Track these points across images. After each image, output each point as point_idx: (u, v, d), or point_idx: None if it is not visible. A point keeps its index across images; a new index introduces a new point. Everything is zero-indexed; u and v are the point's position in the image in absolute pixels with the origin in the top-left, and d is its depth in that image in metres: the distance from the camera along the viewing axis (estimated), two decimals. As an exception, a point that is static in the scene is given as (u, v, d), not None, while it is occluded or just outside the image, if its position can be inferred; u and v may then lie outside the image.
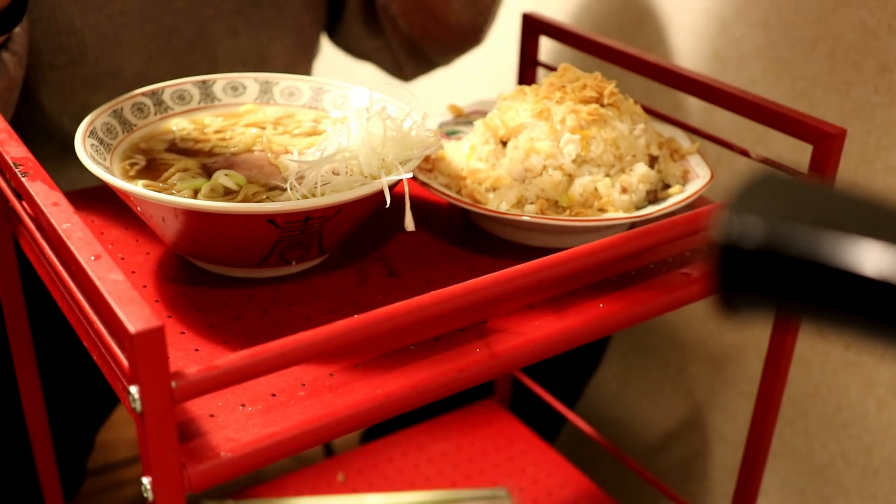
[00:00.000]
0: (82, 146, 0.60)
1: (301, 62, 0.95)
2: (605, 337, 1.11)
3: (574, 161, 0.66)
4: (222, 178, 0.61)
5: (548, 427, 1.09)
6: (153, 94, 0.69)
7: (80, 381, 0.91)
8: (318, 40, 0.97)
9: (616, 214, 0.65)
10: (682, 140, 0.74)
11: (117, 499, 1.27)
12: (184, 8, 0.85)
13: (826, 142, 0.64)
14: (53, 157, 0.84)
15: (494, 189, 0.66)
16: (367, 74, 1.06)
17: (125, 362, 0.43)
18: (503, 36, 1.10)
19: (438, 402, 0.63)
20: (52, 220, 0.49)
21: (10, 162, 0.55)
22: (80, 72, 0.83)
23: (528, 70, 0.85)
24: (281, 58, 0.93)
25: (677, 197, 0.67)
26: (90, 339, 0.51)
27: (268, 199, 0.60)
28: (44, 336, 0.76)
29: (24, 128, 0.81)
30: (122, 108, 0.67)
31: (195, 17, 0.86)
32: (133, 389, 0.42)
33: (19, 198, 0.59)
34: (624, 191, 0.66)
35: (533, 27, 0.83)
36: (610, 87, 0.69)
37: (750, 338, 1.07)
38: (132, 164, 0.64)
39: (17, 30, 0.71)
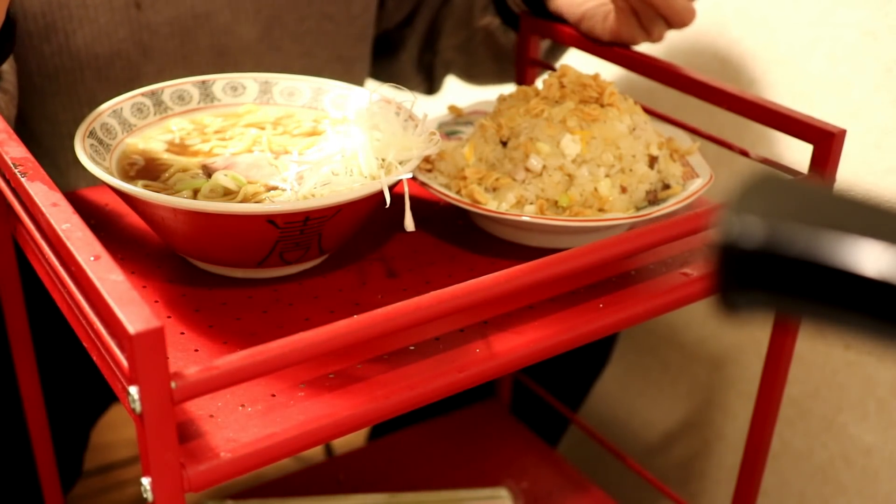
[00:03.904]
0: (82, 146, 0.60)
1: None
2: (610, 341, 1.11)
3: (574, 161, 0.66)
4: (222, 178, 0.61)
5: (551, 431, 1.09)
6: (153, 94, 0.69)
7: (76, 377, 0.91)
8: (362, 79, 0.97)
9: (616, 214, 0.65)
10: (682, 140, 0.74)
11: (117, 499, 1.27)
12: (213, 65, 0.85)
13: (826, 142, 0.64)
14: None
15: (494, 189, 0.66)
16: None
17: (125, 363, 0.43)
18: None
19: (439, 403, 0.63)
20: (52, 221, 0.49)
21: (10, 162, 0.55)
22: None
23: (527, 70, 0.85)
24: None
25: (677, 197, 0.67)
26: (90, 340, 0.51)
27: (267, 199, 0.60)
28: (40, 334, 0.76)
29: None
30: (121, 109, 0.67)
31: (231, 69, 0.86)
32: (133, 390, 0.42)
33: (19, 198, 0.59)
34: (624, 191, 0.66)
35: (532, 27, 0.83)
36: (610, 87, 0.69)
37: (750, 338, 1.07)
38: (132, 165, 0.64)
39: (6, 67, 0.71)
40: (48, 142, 0.84)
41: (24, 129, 0.84)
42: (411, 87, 1.02)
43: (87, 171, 0.69)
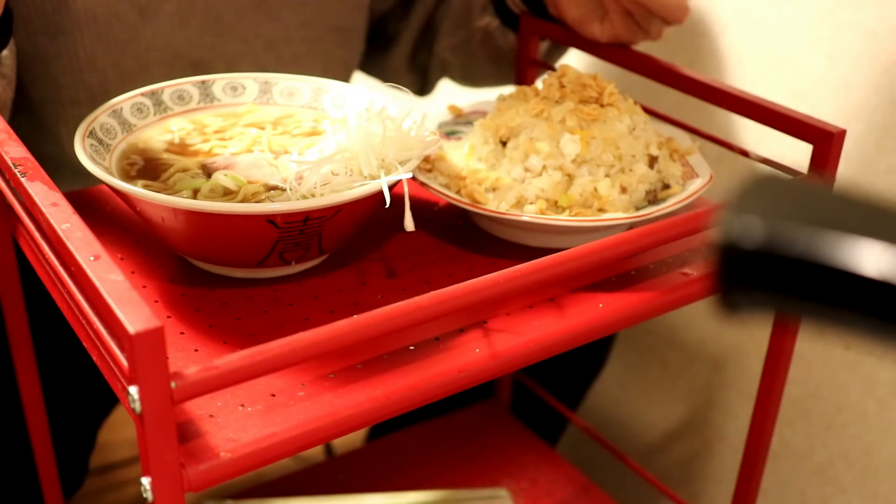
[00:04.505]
0: (82, 146, 0.60)
1: None
2: (608, 341, 1.11)
3: (574, 161, 0.66)
4: (222, 178, 0.61)
5: (549, 430, 1.09)
6: (152, 94, 0.69)
7: (81, 378, 0.91)
8: (347, 77, 0.97)
9: (616, 214, 0.65)
10: (682, 140, 0.74)
11: (117, 499, 1.27)
12: (212, 43, 0.85)
13: (826, 142, 0.64)
14: (60, 186, 0.84)
15: (494, 189, 0.66)
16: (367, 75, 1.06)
17: (124, 363, 0.43)
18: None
19: (439, 403, 0.63)
20: (52, 221, 0.49)
21: (10, 162, 0.55)
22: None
23: (527, 70, 0.85)
24: None
25: (677, 197, 0.67)
26: (89, 340, 0.51)
27: (267, 199, 0.60)
28: (44, 335, 0.76)
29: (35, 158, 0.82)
30: (121, 109, 0.67)
31: (223, 52, 0.86)
32: (132, 390, 0.42)
33: (19, 198, 0.59)
34: (623, 191, 0.66)
35: (532, 27, 0.83)
36: (609, 87, 0.69)
37: (750, 338, 1.07)
38: (132, 165, 0.64)
39: (6, 52, 0.71)
40: (50, 109, 0.83)
41: (27, 101, 0.83)
42: (402, 86, 1.02)
43: None
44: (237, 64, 0.87)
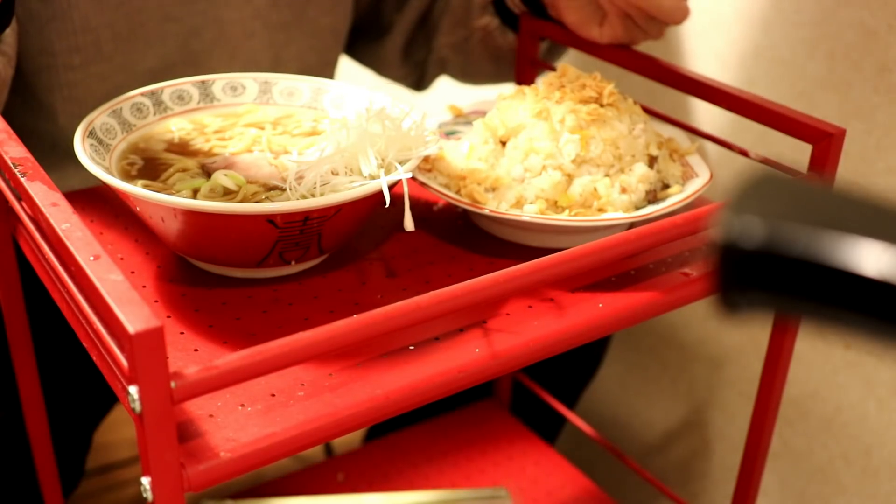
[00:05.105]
0: (81, 146, 0.60)
1: (316, 66, 0.95)
2: (605, 340, 1.11)
3: (573, 161, 0.66)
4: (222, 178, 0.61)
5: (548, 427, 1.09)
6: (152, 94, 0.69)
7: (78, 379, 0.91)
8: (336, 48, 0.97)
9: (615, 214, 0.65)
10: (682, 140, 0.74)
11: (117, 499, 1.27)
12: (204, 9, 0.85)
13: (826, 142, 0.64)
14: (55, 166, 0.84)
15: (494, 189, 0.66)
16: (367, 74, 1.06)
17: (124, 362, 0.43)
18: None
19: (439, 403, 0.63)
20: (52, 221, 0.49)
21: (10, 162, 0.55)
22: (94, 71, 0.83)
23: (526, 70, 0.85)
24: (295, 60, 0.93)
25: (677, 197, 0.67)
26: (89, 340, 0.51)
27: (267, 199, 0.60)
28: (42, 335, 0.76)
29: (24, 136, 0.81)
30: (121, 109, 0.67)
31: (215, 18, 0.86)
32: (132, 390, 0.42)
33: (18, 198, 0.59)
34: (623, 191, 0.66)
35: (532, 27, 0.83)
36: (609, 87, 0.69)
37: (750, 338, 1.07)
38: (132, 164, 0.64)
39: (8, 31, 0.71)
40: (43, 80, 0.83)
41: (19, 75, 0.82)
42: (395, 78, 1.02)
43: (79, 117, 0.69)
44: (228, 30, 0.87)
